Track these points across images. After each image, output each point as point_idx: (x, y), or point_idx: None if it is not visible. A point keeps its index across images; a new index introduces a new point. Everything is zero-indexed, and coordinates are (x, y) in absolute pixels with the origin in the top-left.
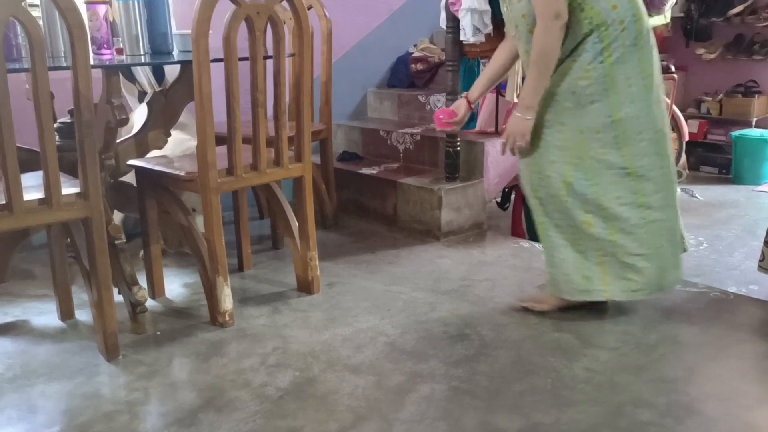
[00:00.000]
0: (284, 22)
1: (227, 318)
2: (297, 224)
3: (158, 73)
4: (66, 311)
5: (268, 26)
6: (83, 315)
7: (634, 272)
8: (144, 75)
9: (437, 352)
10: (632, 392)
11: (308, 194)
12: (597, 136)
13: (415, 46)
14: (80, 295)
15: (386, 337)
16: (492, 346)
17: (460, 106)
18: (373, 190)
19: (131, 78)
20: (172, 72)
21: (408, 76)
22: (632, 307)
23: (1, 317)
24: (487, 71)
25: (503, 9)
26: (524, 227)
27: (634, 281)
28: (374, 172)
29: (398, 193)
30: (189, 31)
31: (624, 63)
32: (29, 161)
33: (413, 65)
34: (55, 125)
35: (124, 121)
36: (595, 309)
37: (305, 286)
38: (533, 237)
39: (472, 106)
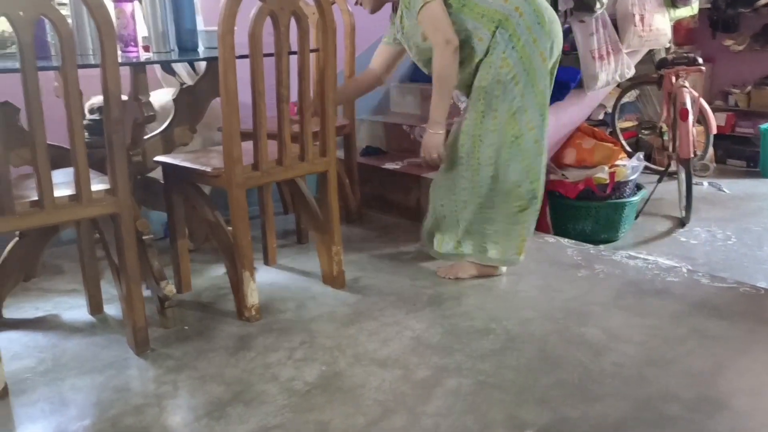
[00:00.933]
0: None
1: (254, 312)
2: (322, 219)
3: (195, 66)
4: (95, 306)
5: (292, 22)
6: (112, 309)
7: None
8: (183, 68)
9: (463, 347)
10: (660, 386)
11: (333, 189)
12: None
13: None
14: (109, 290)
15: (412, 331)
16: (518, 340)
17: None
18: (396, 184)
19: (171, 71)
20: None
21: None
22: (659, 302)
23: (32, 312)
24: (344, 89)
25: (397, 35)
26: (549, 221)
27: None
28: (397, 166)
29: (421, 188)
30: (215, 28)
31: (534, 42)
32: (58, 158)
33: None
34: (84, 122)
35: (152, 118)
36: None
37: (331, 281)
38: (559, 231)
39: None
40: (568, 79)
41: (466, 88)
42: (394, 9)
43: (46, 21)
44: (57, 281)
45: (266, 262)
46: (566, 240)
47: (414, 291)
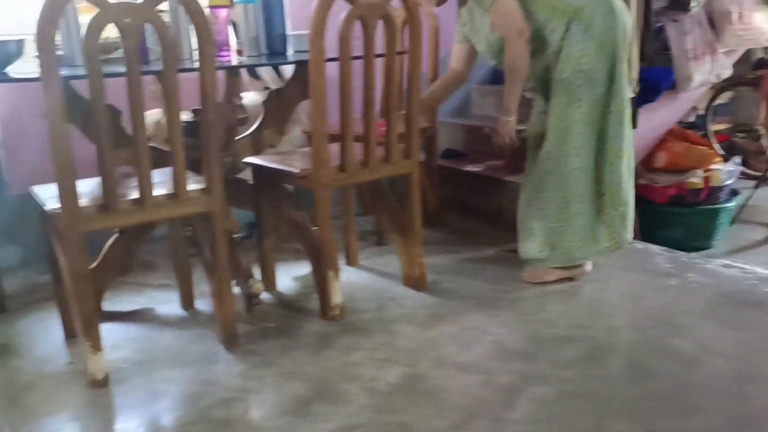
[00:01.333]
0: None
1: (337, 312)
2: (404, 221)
3: (280, 71)
4: (187, 301)
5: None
6: (202, 305)
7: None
8: (267, 73)
9: (546, 354)
10: (760, 404)
11: (416, 191)
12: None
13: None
14: (199, 286)
15: (493, 336)
16: (604, 349)
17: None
18: (476, 187)
19: (257, 76)
20: (290, 70)
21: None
22: (757, 314)
23: (128, 305)
24: (433, 91)
25: (464, 31)
26: (637, 226)
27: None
28: (478, 169)
29: (503, 191)
30: (304, 32)
31: (609, 30)
32: (154, 159)
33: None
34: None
35: (244, 120)
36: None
37: (411, 283)
38: (647, 238)
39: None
40: (660, 80)
41: (537, 79)
42: (460, 4)
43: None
44: (150, 276)
45: (347, 263)
46: (655, 246)
47: (494, 295)
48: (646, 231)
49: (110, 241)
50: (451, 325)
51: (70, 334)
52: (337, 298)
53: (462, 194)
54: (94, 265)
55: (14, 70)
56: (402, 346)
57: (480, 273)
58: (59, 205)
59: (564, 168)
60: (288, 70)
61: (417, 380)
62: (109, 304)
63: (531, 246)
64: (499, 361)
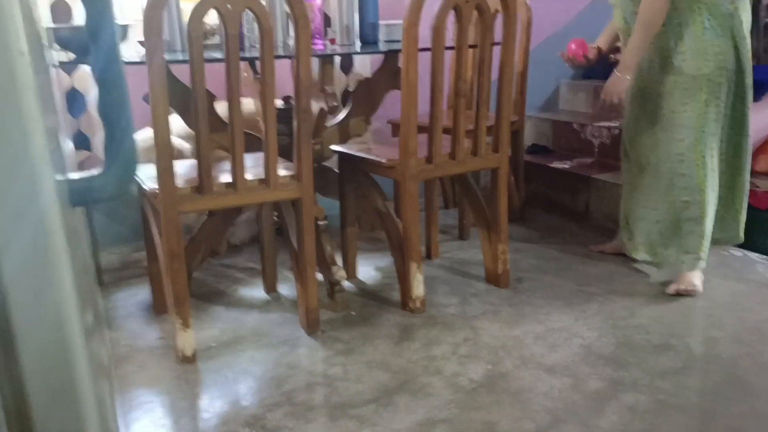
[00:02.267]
0: None
1: (419, 304)
2: (489, 215)
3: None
4: (270, 284)
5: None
6: (284, 289)
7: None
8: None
9: (639, 361)
10: None
11: (503, 185)
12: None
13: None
14: (281, 271)
15: (581, 339)
16: (702, 360)
17: (594, 49)
18: (563, 184)
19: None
20: (362, 64)
21: (607, 67)
22: None
23: (215, 286)
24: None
25: None
26: None
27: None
28: (566, 166)
29: (591, 189)
30: (395, 22)
31: (741, 25)
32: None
33: (612, 55)
34: None
35: (336, 109)
36: None
37: (495, 279)
38: (747, 244)
39: (603, 52)
40: (766, 79)
41: (657, 51)
42: None
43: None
44: (236, 258)
45: (428, 256)
46: (756, 254)
47: (582, 297)
48: (747, 238)
49: (201, 223)
50: (537, 325)
51: (160, 310)
52: (419, 290)
53: (548, 191)
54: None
55: None
56: (485, 343)
57: (566, 272)
58: (157, 186)
59: (700, 171)
60: (361, 65)
61: (501, 379)
62: (197, 284)
63: (660, 252)
64: (589, 365)
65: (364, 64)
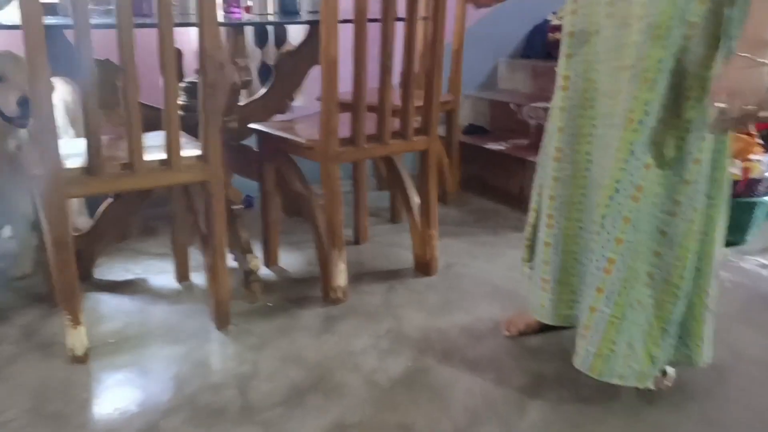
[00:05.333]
0: None
1: (340, 294)
2: (418, 200)
3: (280, 37)
4: (182, 273)
5: None
6: (198, 278)
7: None
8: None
9: (567, 354)
10: None
11: (432, 170)
12: None
13: (554, 14)
14: (197, 257)
15: (509, 330)
16: None
17: None
18: (499, 166)
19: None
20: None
21: (544, 46)
22: None
23: (122, 274)
24: None
25: None
26: None
27: None
28: (502, 147)
29: (526, 172)
30: None
31: None
32: (156, 120)
33: (551, 34)
34: (182, 85)
35: (248, 83)
36: None
37: (422, 266)
38: None
39: None
40: None
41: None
42: None
43: None
44: (149, 244)
45: (356, 241)
46: None
47: (511, 285)
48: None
49: (103, 207)
50: (463, 314)
51: (55, 304)
52: (340, 279)
53: (483, 173)
54: (85, 231)
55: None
56: (408, 336)
57: (497, 258)
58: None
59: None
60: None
61: (422, 375)
62: (102, 272)
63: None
64: (514, 358)
65: (298, 37)
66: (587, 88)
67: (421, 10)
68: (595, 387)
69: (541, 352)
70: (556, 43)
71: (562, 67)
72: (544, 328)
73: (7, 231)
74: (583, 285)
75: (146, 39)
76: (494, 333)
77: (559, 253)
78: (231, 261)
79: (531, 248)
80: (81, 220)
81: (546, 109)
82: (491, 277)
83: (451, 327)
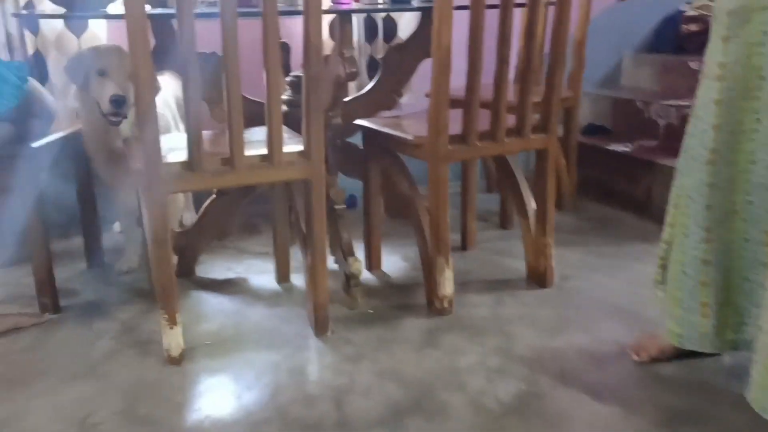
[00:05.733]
0: None
1: (445, 304)
2: (534, 205)
3: (390, 31)
4: (283, 274)
5: None
6: (299, 280)
7: None
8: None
9: (708, 386)
10: None
11: (551, 171)
12: None
13: (688, 3)
14: (299, 257)
15: (636, 355)
16: None
17: None
18: (622, 170)
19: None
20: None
21: (676, 39)
22: None
23: (224, 272)
24: None
25: None
26: None
27: None
28: (626, 149)
29: (655, 176)
30: None
31: None
32: (259, 114)
33: (685, 26)
34: (288, 79)
35: (354, 75)
36: None
37: (536, 277)
38: None
39: None
40: None
41: None
42: None
43: None
44: (251, 242)
45: (463, 247)
46: None
47: (639, 302)
48: None
49: (206, 203)
50: (582, 334)
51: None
52: (446, 288)
53: (604, 176)
54: (189, 227)
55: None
56: (520, 355)
57: (620, 272)
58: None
59: None
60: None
61: (535, 400)
62: (204, 270)
63: None
64: (643, 388)
65: (408, 30)
66: (749, 76)
67: None
68: (748, 426)
69: (676, 383)
70: (691, 36)
71: (716, 53)
72: (680, 355)
73: (118, 226)
74: (750, 304)
75: (255, 32)
76: (619, 357)
77: (721, 271)
78: (332, 263)
79: (665, 268)
80: (188, 216)
81: (678, 108)
82: (614, 293)
83: (569, 347)
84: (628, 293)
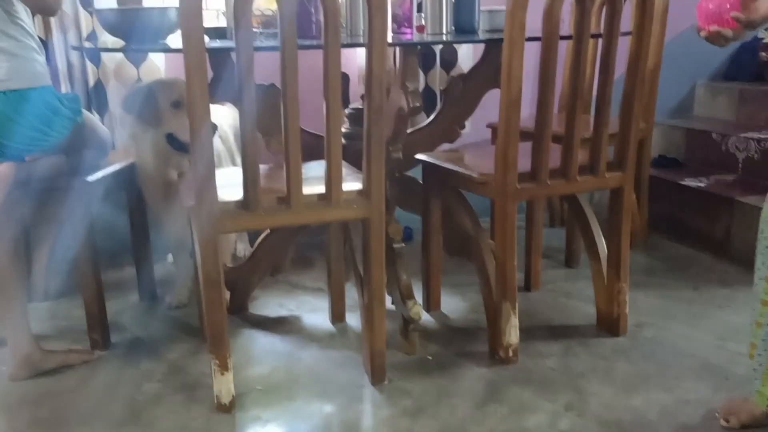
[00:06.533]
0: None
1: (510, 354)
2: (605, 247)
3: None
4: (337, 313)
5: None
6: (354, 319)
7: None
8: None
9: None
10: None
11: (626, 212)
12: None
13: (767, 30)
14: (354, 295)
15: (725, 421)
16: None
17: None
18: (698, 206)
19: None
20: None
21: (755, 67)
22: None
23: (276, 309)
24: None
25: None
26: None
27: None
28: (701, 184)
29: (734, 214)
30: (499, 8)
31: None
32: (317, 148)
33: (764, 53)
34: (347, 111)
35: (418, 109)
36: None
37: (608, 324)
38: None
39: None
40: None
41: None
42: None
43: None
44: (305, 277)
45: (527, 287)
46: None
47: (725, 357)
48: None
49: (260, 238)
50: (664, 393)
51: (205, 339)
52: (512, 337)
53: (677, 213)
54: (243, 262)
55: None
56: (595, 414)
57: (701, 320)
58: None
59: None
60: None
61: None
62: (256, 306)
63: None
64: None
65: (468, 60)
66: None
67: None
68: None
69: None
70: None
71: None
72: None
73: (171, 257)
74: None
75: (313, 64)
76: (706, 421)
77: None
78: (388, 303)
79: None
80: (241, 247)
81: (759, 141)
82: (696, 345)
83: (649, 408)
84: (712, 346)
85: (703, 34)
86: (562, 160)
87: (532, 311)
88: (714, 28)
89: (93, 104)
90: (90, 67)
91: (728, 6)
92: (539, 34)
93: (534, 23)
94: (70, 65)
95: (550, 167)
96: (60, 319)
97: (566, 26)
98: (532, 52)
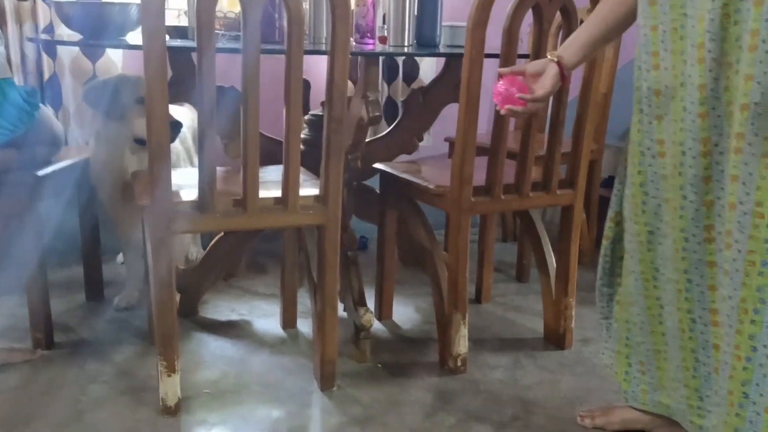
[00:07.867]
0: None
1: (459, 364)
2: (555, 263)
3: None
4: (289, 319)
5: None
6: (305, 326)
7: None
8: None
9: None
10: None
11: (575, 229)
12: None
13: None
14: (306, 301)
15: None
16: None
17: (547, 70)
18: None
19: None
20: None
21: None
22: None
23: (227, 313)
24: (589, 26)
25: None
26: None
27: None
28: None
29: None
30: (461, 24)
31: None
32: (276, 153)
33: None
34: (306, 117)
35: (377, 119)
36: None
37: (554, 338)
38: None
39: (566, 73)
40: None
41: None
42: None
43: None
44: (257, 282)
45: (478, 300)
46: None
47: None
48: None
49: (213, 241)
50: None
51: (154, 341)
52: (460, 346)
53: None
54: (195, 265)
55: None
56: (540, 425)
57: None
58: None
59: None
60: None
61: None
62: (207, 310)
63: None
64: None
65: (429, 73)
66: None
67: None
68: None
69: None
70: None
71: None
72: None
73: (121, 257)
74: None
75: (275, 68)
76: None
77: None
78: (341, 310)
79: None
80: (194, 250)
81: None
82: None
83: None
84: None
85: (502, 112)
86: (516, 176)
87: (482, 323)
88: (508, 106)
89: (47, 98)
90: (46, 60)
91: (515, 89)
92: (498, 51)
93: (493, 41)
94: (24, 57)
95: (504, 182)
96: (3, 316)
97: (525, 45)
98: (491, 69)
